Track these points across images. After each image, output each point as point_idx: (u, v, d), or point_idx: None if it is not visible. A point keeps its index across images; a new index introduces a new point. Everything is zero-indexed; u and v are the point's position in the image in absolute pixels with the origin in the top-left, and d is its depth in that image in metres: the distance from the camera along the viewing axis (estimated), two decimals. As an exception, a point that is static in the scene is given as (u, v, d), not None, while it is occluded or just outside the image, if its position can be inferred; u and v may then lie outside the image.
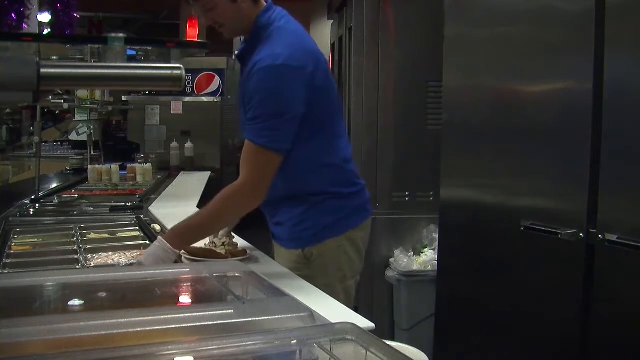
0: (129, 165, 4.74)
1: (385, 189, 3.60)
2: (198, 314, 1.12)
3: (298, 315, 1.10)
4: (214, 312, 1.12)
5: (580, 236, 2.03)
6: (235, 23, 1.97)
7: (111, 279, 1.43)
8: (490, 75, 2.56)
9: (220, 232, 2.06)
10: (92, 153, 5.06)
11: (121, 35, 1.49)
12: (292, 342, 0.98)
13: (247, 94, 1.92)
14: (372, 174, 3.55)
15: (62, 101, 4.56)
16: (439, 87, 3.05)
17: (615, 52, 1.96)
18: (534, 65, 2.29)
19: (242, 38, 2.08)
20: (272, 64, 1.84)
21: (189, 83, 5.93)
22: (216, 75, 6.06)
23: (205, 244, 2.03)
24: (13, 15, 2.57)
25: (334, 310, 1.51)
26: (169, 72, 1.52)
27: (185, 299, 1.47)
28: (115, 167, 4.53)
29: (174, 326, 1.06)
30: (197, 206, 3.25)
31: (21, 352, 0.95)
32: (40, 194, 3.34)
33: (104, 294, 1.34)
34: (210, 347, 0.94)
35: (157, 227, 2.55)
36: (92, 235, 2.43)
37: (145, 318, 1.06)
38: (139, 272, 1.53)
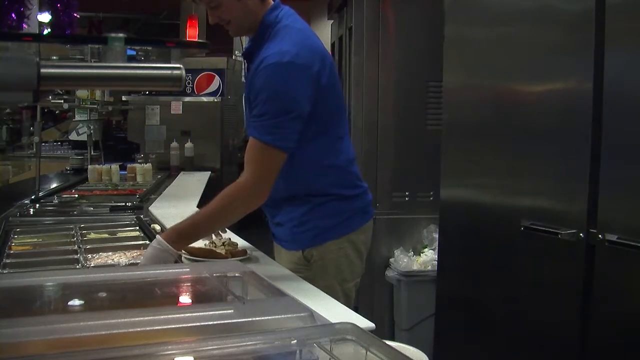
0: (129, 165, 4.74)
1: (385, 189, 3.60)
2: (198, 314, 1.12)
3: (298, 315, 1.10)
4: (214, 312, 1.12)
5: (580, 236, 2.03)
6: (242, 21, 1.96)
7: (111, 279, 1.43)
8: (490, 75, 2.56)
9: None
10: (92, 153, 5.06)
11: (121, 35, 1.48)
12: (292, 342, 0.98)
13: (253, 91, 1.91)
14: (372, 174, 3.55)
15: (62, 101, 4.56)
16: (439, 87, 3.05)
17: (615, 52, 1.96)
18: (534, 65, 2.29)
19: (248, 37, 2.08)
20: (279, 61, 1.84)
21: (189, 83, 5.93)
22: (216, 75, 6.06)
23: (205, 244, 2.03)
24: (13, 15, 2.57)
25: (334, 311, 1.51)
26: (169, 72, 1.52)
27: (185, 299, 1.47)
28: (115, 167, 4.53)
29: (174, 326, 1.06)
30: (197, 206, 3.25)
31: (21, 352, 0.95)
32: (40, 194, 3.34)
33: (104, 294, 1.34)
34: (210, 347, 0.94)
35: (157, 227, 2.55)
36: (92, 235, 2.43)
37: (145, 318, 1.06)
38: (139, 272, 1.53)
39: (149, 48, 1.79)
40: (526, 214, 2.27)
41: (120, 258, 2.04)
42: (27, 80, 1.35)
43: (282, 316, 1.10)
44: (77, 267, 1.92)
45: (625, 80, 1.94)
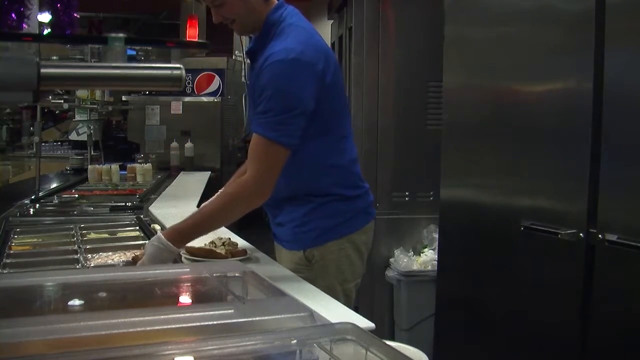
0: (129, 165, 4.74)
1: (385, 189, 3.60)
2: (198, 314, 1.12)
3: (298, 315, 1.10)
4: (214, 312, 1.12)
5: (580, 236, 2.03)
6: (246, 19, 1.97)
7: (111, 279, 1.43)
8: (490, 75, 2.56)
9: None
10: (92, 153, 5.06)
11: (121, 35, 1.48)
12: (292, 342, 0.98)
13: (257, 89, 1.91)
14: (372, 174, 3.54)
15: (62, 101, 4.57)
16: (439, 87, 3.05)
17: (615, 52, 1.96)
18: (534, 65, 2.29)
19: (249, 37, 2.08)
20: (285, 58, 1.84)
21: (189, 83, 5.93)
22: (216, 75, 6.06)
23: (205, 244, 2.03)
24: (13, 15, 2.57)
25: (334, 311, 1.51)
26: (169, 72, 1.52)
27: (185, 299, 1.47)
28: (115, 167, 4.53)
29: (174, 326, 1.06)
30: (197, 206, 3.24)
31: (21, 352, 0.95)
32: (40, 194, 3.34)
33: (104, 294, 1.34)
34: (210, 347, 0.94)
35: (157, 227, 2.55)
36: (92, 235, 2.43)
37: (145, 318, 1.06)
38: (139, 272, 1.53)
39: (149, 48, 1.79)
40: (526, 214, 2.27)
41: (120, 258, 2.04)
42: (27, 80, 1.35)
43: (282, 316, 1.10)
44: (77, 267, 1.92)
45: (625, 80, 1.94)
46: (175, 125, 5.68)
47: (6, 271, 1.88)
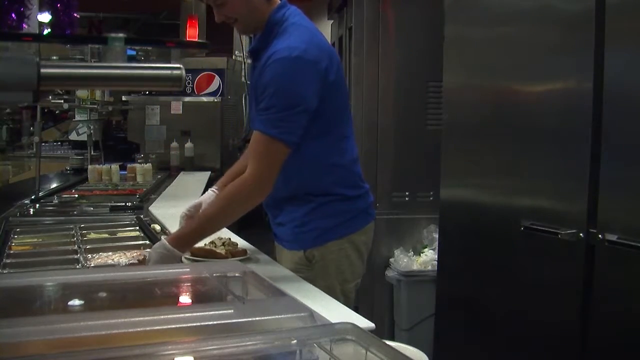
0: (129, 165, 4.74)
1: (385, 189, 3.60)
2: (198, 314, 1.12)
3: (298, 315, 1.10)
4: (214, 312, 1.12)
5: (580, 236, 2.03)
6: (248, 18, 1.97)
7: (111, 279, 1.43)
8: (490, 75, 2.56)
9: None
10: (92, 153, 5.06)
11: (121, 35, 1.48)
12: (292, 342, 0.98)
13: (260, 86, 1.91)
14: (372, 174, 3.54)
15: (62, 101, 4.57)
16: (439, 87, 3.05)
17: (615, 52, 1.96)
18: (534, 65, 2.29)
19: (251, 37, 2.08)
20: (288, 56, 1.84)
21: (189, 83, 5.92)
22: (216, 75, 6.06)
23: (205, 244, 2.03)
24: (13, 15, 2.57)
25: (334, 311, 1.51)
26: (169, 72, 1.52)
27: (185, 299, 1.46)
28: (115, 167, 4.53)
29: (174, 326, 1.05)
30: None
31: (21, 352, 0.95)
32: (40, 194, 3.35)
33: (104, 294, 1.34)
34: (210, 347, 0.94)
35: (157, 227, 2.55)
36: (92, 235, 2.43)
37: (145, 318, 1.06)
38: (139, 272, 1.53)
39: (149, 48, 1.79)
40: (526, 214, 2.27)
41: (120, 258, 2.04)
42: (27, 80, 1.35)
43: (282, 316, 1.10)
44: (77, 267, 1.92)
45: (625, 80, 1.94)
46: (175, 125, 5.68)
47: (6, 271, 1.88)
